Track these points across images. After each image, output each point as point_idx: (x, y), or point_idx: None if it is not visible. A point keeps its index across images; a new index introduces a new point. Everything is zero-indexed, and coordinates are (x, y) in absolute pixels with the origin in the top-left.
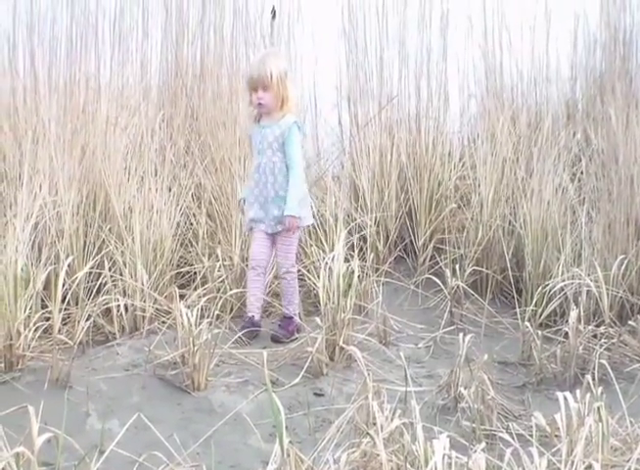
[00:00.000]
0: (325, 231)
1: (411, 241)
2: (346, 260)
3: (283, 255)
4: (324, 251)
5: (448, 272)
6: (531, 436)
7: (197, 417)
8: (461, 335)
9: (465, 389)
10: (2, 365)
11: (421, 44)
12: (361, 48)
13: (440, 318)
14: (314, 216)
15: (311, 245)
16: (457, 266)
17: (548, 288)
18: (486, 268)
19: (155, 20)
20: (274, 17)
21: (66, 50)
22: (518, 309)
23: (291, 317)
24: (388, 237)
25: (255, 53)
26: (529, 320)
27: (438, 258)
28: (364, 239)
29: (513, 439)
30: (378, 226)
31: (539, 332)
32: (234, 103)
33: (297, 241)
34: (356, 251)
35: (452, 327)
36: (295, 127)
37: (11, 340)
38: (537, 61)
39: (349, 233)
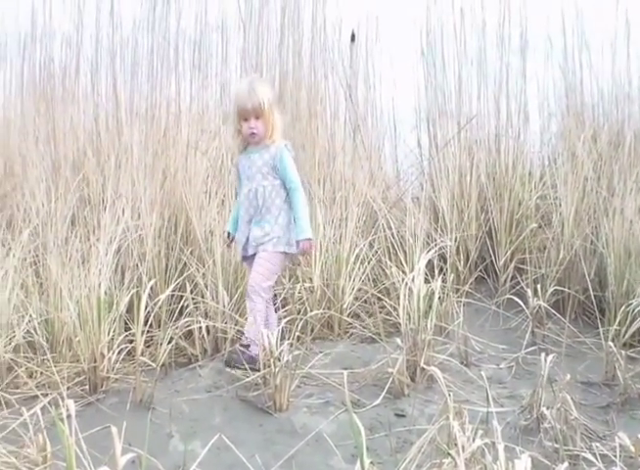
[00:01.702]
0: (405, 252)
1: (492, 261)
2: (427, 281)
3: (253, 275)
4: (404, 271)
5: (530, 292)
6: (615, 456)
7: (278, 438)
8: (543, 355)
9: (547, 409)
10: (87, 387)
11: (500, 63)
12: (440, 69)
13: (522, 339)
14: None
15: (391, 266)
16: (539, 286)
17: (632, 307)
18: (568, 288)
19: (233, 44)
20: (353, 40)
21: (147, 75)
22: (601, 329)
23: (247, 345)
24: (468, 257)
25: (332, 75)
26: (613, 340)
27: (520, 278)
28: (444, 259)
29: (597, 459)
30: (458, 247)
31: (623, 352)
32: (313, 125)
33: (272, 266)
34: (436, 271)
35: (534, 347)
36: (285, 150)
37: (95, 362)
38: (618, 78)
39: (429, 254)
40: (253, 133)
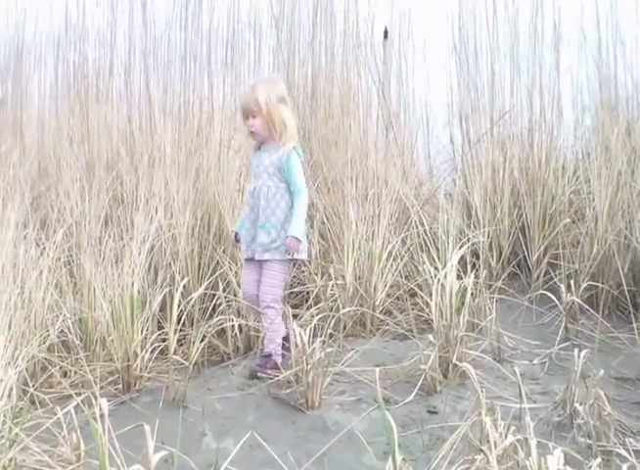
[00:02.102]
0: (437, 248)
1: (525, 257)
2: (459, 277)
3: (264, 288)
4: (436, 268)
5: (563, 288)
6: None
7: (311, 435)
8: (576, 351)
9: (581, 405)
10: (120, 386)
11: (533, 57)
12: (472, 64)
13: (555, 334)
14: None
15: (423, 262)
16: (572, 282)
17: None
18: (602, 283)
19: (266, 42)
20: (386, 36)
21: (179, 74)
22: (635, 324)
23: (269, 355)
24: (501, 253)
25: (364, 72)
26: None
27: (553, 274)
28: (477, 255)
29: (630, 455)
30: (491, 242)
31: None
32: (345, 122)
33: (283, 276)
34: (469, 267)
35: (567, 343)
36: (293, 153)
37: (128, 361)
38: None
39: (462, 250)
40: (252, 132)
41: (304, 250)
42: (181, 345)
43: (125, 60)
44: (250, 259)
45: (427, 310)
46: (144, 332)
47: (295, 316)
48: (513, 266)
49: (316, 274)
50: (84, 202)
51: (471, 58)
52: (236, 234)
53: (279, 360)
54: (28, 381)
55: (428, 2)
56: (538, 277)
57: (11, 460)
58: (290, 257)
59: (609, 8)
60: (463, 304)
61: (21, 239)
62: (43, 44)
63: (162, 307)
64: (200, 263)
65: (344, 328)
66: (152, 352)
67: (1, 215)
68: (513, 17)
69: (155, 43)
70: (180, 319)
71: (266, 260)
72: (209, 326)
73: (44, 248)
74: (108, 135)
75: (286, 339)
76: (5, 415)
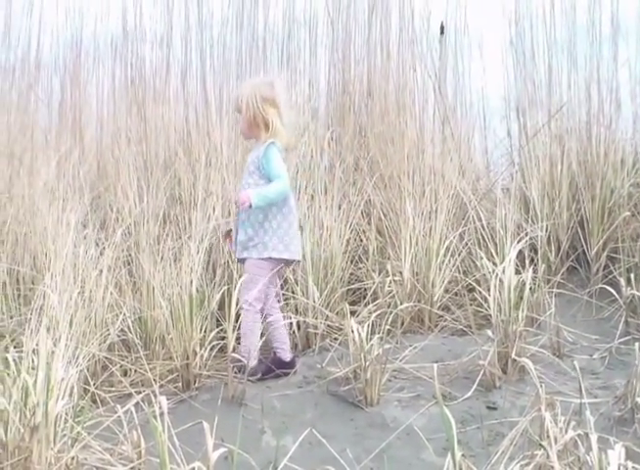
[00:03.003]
0: (495, 243)
1: (584, 251)
2: (517, 272)
3: (240, 287)
4: (494, 263)
5: (623, 281)
6: None
7: (369, 432)
8: (637, 345)
9: None
10: (179, 384)
11: (590, 49)
12: (529, 57)
13: (615, 328)
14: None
15: (481, 257)
16: (632, 275)
17: None
18: None
19: (322, 40)
20: (442, 32)
21: (235, 73)
22: None
23: (254, 365)
24: (559, 247)
25: (420, 67)
26: None
27: (612, 268)
28: (535, 250)
29: None
30: (549, 237)
31: None
32: (401, 118)
33: (260, 275)
34: (527, 262)
35: (628, 337)
36: (270, 146)
37: (187, 359)
38: None
39: (520, 244)
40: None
41: (298, 252)
42: (240, 343)
43: (182, 60)
44: (239, 259)
45: (485, 306)
46: (203, 330)
47: (352, 313)
48: (572, 261)
49: (374, 271)
50: (142, 201)
51: (527, 51)
52: (229, 231)
53: (252, 363)
54: (89, 380)
55: None
56: (598, 271)
57: (73, 458)
58: (269, 256)
59: None
60: (521, 298)
61: (80, 239)
62: (101, 46)
63: (221, 305)
64: None
65: (402, 324)
66: (211, 349)
67: (61, 216)
68: (570, 9)
69: (211, 43)
70: (238, 317)
71: (244, 259)
72: (268, 323)
73: (103, 248)
74: (165, 135)
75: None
76: (67, 414)
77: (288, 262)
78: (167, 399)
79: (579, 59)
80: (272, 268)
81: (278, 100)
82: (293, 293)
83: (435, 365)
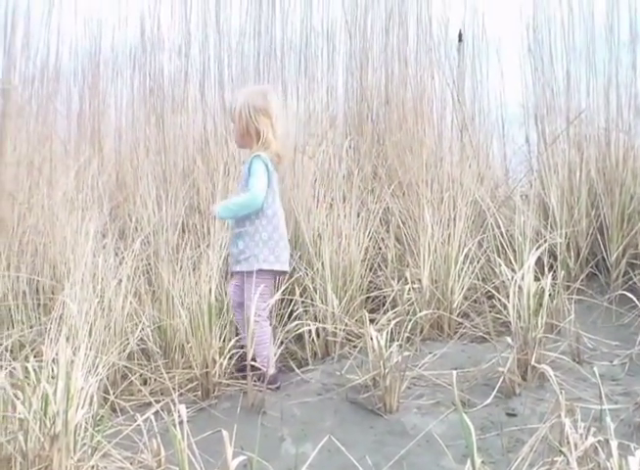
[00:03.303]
0: (514, 250)
1: (603, 257)
2: (536, 279)
3: (245, 302)
4: (513, 270)
5: None
6: None
7: (389, 439)
8: None
9: None
10: (199, 393)
11: (609, 56)
12: (547, 63)
13: (636, 335)
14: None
15: (500, 264)
16: None
17: None
18: None
19: (339, 48)
20: (461, 39)
21: (253, 82)
22: None
23: (271, 374)
24: (579, 254)
25: (438, 75)
26: None
27: (632, 274)
28: (554, 257)
29: None
30: (568, 243)
31: None
32: (420, 126)
33: (256, 287)
34: (546, 269)
35: None
36: (255, 159)
37: (207, 368)
38: None
39: (539, 251)
40: None
41: (285, 262)
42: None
43: (200, 70)
44: (233, 272)
45: (504, 313)
46: (222, 339)
47: (372, 321)
48: (591, 267)
49: (392, 278)
50: (161, 211)
51: (546, 57)
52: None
53: (271, 371)
54: (109, 389)
55: (501, 2)
56: (617, 277)
57: (93, 467)
58: (260, 268)
59: None
60: (541, 305)
61: (100, 249)
62: (119, 56)
63: None
64: None
65: (421, 332)
66: (230, 358)
67: (80, 226)
68: (588, 15)
69: (229, 52)
70: None
71: (237, 272)
72: (287, 332)
73: (123, 257)
74: (184, 145)
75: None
76: (87, 423)
77: (278, 274)
78: (187, 408)
79: (598, 65)
80: (265, 279)
81: (271, 110)
82: (312, 300)
83: (455, 372)
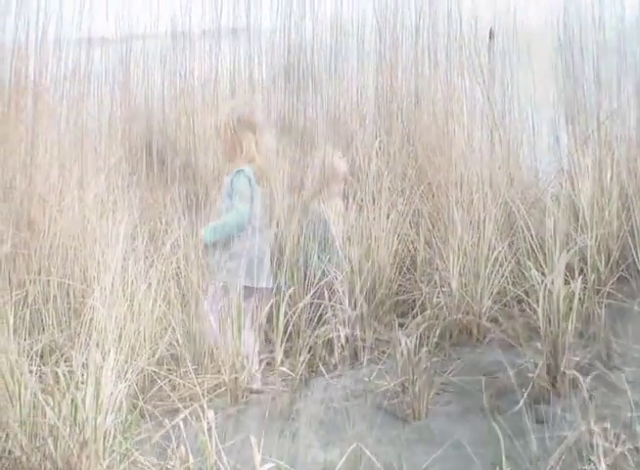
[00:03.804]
0: (544, 253)
1: (634, 260)
2: (566, 282)
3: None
4: (543, 273)
5: None
6: None
7: (417, 446)
8: None
9: None
10: (228, 398)
11: None
12: (578, 62)
13: None
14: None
15: (530, 268)
16: None
17: None
18: None
19: (368, 47)
20: (491, 37)
21: (283, 82)
22: None
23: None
24: (609, 257)
25: (469, 73)
26: None
27: None
28: (584, 260)
29: None
30: (598, 246)
31: None
32: (449, 127)
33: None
34: (577, 272)
35: None
36: (238, 174)
37: (236, 373)
38: None
39: (569, 254)
40: None
41: (267, 279)
42: (288, 356)
43: (230, 70)
44: None
45: (534, 317)
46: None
47: (401, 325)
48: (622, 270)
49: (422, 282)
50: (191, 213)
51: (577, 56)
52: None
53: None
54: (138, 394)
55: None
56: None
57: None
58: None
59: None
60: (571, 309)
61: (130, 252)
62: (150, 55)
63: (269, 318)
64: (305, 272)
65: (451, 336)
66: (259, 363)
67: (110, 229)
68: (619, 13)
69: (259, 53)
70: (286, 330)
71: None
72: (316, 336)
73: (152, 260)
74: (214, 146)
75: None
76: (116, 429)
77: (255, 290)
78: (215, 414)
79: (629, 63)
80: (246, 295)
81: (256, 124)
82: (340, 304)
83: (484, 378)
